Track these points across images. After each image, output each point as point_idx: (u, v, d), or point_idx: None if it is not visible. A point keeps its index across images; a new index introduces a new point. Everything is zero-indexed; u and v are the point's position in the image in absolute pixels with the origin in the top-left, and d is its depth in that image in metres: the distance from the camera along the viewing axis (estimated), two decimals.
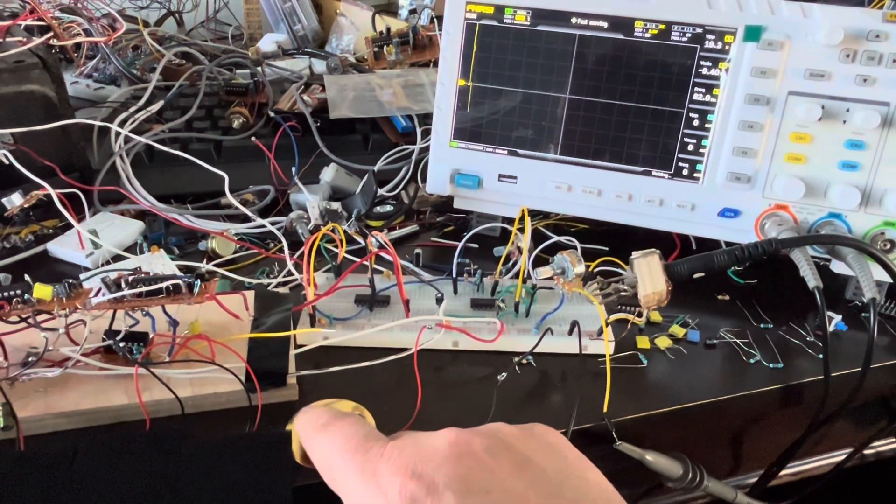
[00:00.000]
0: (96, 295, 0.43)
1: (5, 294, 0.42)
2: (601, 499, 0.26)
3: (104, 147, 0.71)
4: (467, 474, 0.25)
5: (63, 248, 0.59)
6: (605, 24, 0.55)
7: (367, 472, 0.27)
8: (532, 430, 0.29)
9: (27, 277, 0.43)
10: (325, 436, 0.31)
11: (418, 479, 0.25)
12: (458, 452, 0.26)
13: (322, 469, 0.30)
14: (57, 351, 0.43)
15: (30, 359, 0.43)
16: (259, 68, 0.86)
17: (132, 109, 0.74)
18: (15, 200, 0.56)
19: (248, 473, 0.39)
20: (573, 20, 0.56)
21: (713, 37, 0.53)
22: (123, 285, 0.43)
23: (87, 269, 0.57)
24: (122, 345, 0.43)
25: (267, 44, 1.00)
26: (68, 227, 0.61)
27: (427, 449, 0.27)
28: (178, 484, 0.38)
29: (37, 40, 0.62)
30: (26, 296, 0.42)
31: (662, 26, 0.54)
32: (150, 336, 0.45)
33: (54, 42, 0.65)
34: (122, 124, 0.70)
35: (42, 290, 0.42)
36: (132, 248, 0.60)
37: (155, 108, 0.75)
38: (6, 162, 0.57)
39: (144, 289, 0.43)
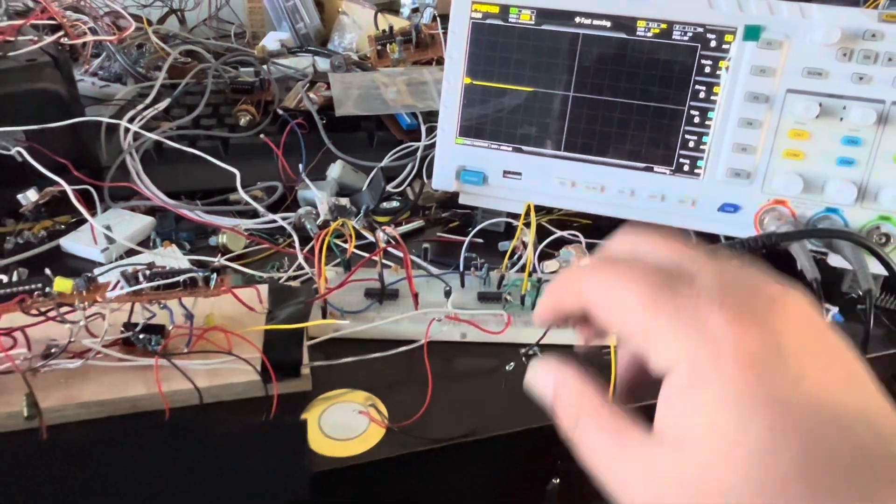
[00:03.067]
0: (114, 288, 0.44)
1: (27, 288, 0.43)
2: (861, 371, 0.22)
3: (112, 144, 0.72)
4: (801, 334, 0.21)
5: (76, 243, 0.60)
6: (608, 24, 0.57)
7: (685, 316, 0.21)
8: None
9: (48, 271, 0.44)
10: (607, 276, 0.24)
11: (759, 330, 0.21)
12: (785, 304, 0.22)
13: (609, 318, 0.24)
14: (77, 343, 0.44)
15: (52, 350, 0.44)
16: (265, 66, 0.87)
17: (140, 107, 0.75)
18: (30, 196, 0.57)
19: (267, 461, 0.41)
20: (577, 20, 0.57)
21: (714, 36, 0.55)
22: (141, 279, 0.44)
23: (99, 265, 0.58)
24: (141, 337, 0.44)
25: (270, 42, 1.01)
26: (80, 222, 0.62)
27: (751, 290, 0.22)
28: (197, 472, 0.40)
29: (48, 39, 0.63)
30: (47, 289, 0.43)
31: (664, 26, 0.56)
32: (168, 328, 0.46)
33: (65, 41, 0.66)
34: (130, 122, 0.71)
35: (62, 284, 0.43)
36: (144, 244, 0.61)
37: (162, 105, 0.76)
38: (19, 159, 0.58)
39: (162, 282, 0.44)
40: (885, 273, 0.51)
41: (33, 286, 0.43)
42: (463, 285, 0.55)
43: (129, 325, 0.45)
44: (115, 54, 0.87)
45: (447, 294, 0.52)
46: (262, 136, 0.72)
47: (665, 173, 0.58)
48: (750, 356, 0.20)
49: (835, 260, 0.56)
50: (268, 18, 1.11)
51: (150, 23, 1.00)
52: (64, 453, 0.40)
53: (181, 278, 0.44)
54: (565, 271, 0.27)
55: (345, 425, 0.44)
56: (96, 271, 0.53)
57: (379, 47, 0.92)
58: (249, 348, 0.45)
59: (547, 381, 0.26)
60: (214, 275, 0.45)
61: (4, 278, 0.44)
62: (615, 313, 0.24)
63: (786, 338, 0.21)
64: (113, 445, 0.41)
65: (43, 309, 0.43)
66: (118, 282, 0.44)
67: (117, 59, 0.88)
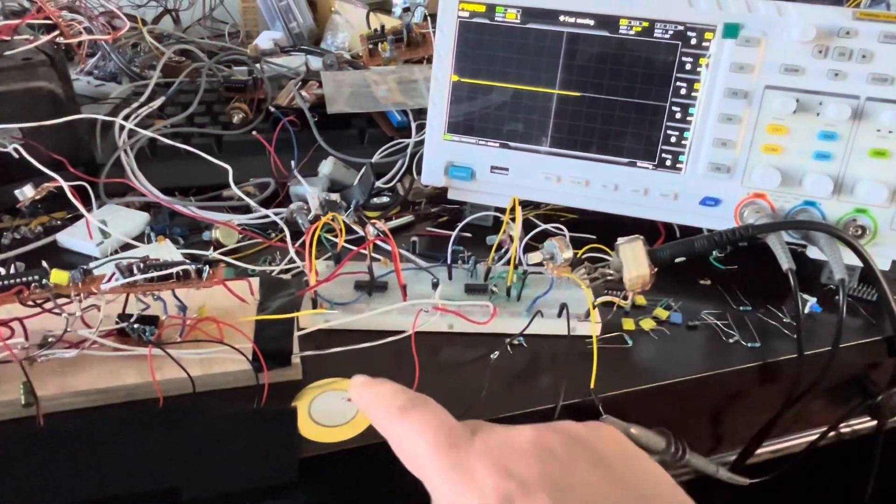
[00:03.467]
0: (109, 280, 0.45)
1: (24, 279, 0.44)
2: (666, 487, 0.28)
3: (107, 142, 0.73)
4: (553, 473, 0.26)
5: (72, 238, 0.61)
6: (592, 22, 0.58)
7: (460, 469, 0.28)
8: (599, 429, 0.30)
9: (45, 264, 0.45)
10: (407, 424, 0.30)
11: (512, 478, 0.26)
12: (542, 451, 0.27)
13: (404, 457, 0.30)
14: (73, 333, 0.45)
15: (49, 340, 0.45)
16: (258, 65, 0.88)
17: (134, 105, 0.76)
18: (27, 192, 0.58)
19: (256, 447, 0.42)
20: (561, 18, 0.58)
21: (694, 34, 0.56)
22: (136, 271, 0.45)
23: (94, 259, 0.59)
24: (135, 327, 0.45)
25: (264, 41, 1.02)
26: (76, 218, 0.63)
27: (515, 447, 0.28)
28: (191, 458, 0.41)
29: (44, 38, 0.64)
30: (44, 281, 0.44)
31: (646, 24, 0.57)
32: (162, 319, 0.47)
33: (61, 40, 0.67)
34: (125, 120, 0.72)
35: (59, 276, 0.44)
36: (138, 239, 0.62)
37: (157, 103, 0.77)
38: (16, 156, 0.59)
39: (156, 274, 0.45)
40: (861, 265, 0.53)
41: (31, 278, 0.44)
42: (450, 277, 0.56)
43: (123, 316, 0.46)
44: (109, 53, 0.89)
45: (435, 286, 0.53)
46: (254, 133, 0.73)
47: (648, 168, 0.60)
48: (505, 497, 0.26)
49: (813, 252, 0.57)
50: (261, 18, 1.12)
51: (144, 22, 1.02)
52: (60, 440, 0.41)
53: (174, 270, 0.45)
54: (380, 396, 0.32)
55: (334, 412, 0.45)
56: (91, 265, 0.54)
57: (371, 46, 0.93)
58: (241, 338, 0.46)
59: None
60: (207, 267, 0.46)
61: (3, 271, 0.45)
62: (408, 458, 0.30)
63: (547, 476, 0.26)
64: (108, 432, 0.42)
65: (40, 300, 0.44)
66: (113, 274, 0.45)
67: (112, 59, 0.89)
